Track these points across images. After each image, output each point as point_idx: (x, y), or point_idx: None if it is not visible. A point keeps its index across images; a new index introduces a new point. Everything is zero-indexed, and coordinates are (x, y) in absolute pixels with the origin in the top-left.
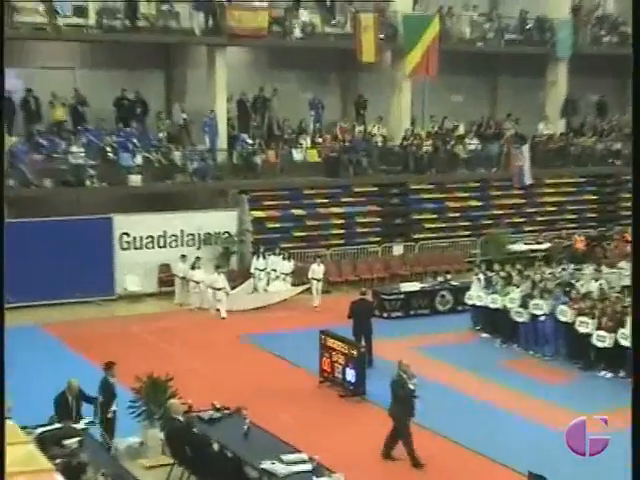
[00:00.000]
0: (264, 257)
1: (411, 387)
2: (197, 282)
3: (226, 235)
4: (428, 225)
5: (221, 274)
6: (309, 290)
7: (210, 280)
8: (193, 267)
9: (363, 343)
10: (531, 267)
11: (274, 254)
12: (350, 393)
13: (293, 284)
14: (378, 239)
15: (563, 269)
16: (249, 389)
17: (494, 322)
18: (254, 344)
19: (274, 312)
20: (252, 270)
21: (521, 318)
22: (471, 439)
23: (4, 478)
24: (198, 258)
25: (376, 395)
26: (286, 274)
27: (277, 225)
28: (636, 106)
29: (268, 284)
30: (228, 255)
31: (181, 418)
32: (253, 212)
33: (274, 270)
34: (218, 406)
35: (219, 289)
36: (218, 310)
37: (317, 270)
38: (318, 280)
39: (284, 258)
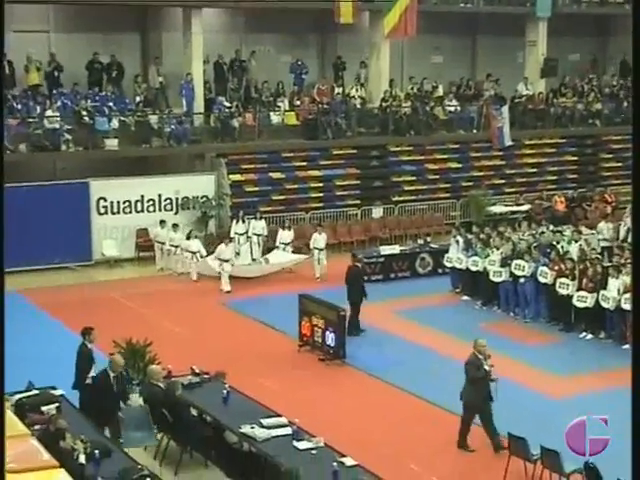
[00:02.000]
0: (243, 221)
1: (487, 369)
2: (193, 252)
3: (204, 199)
4: (407, 187)
5: (195, 239)
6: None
7: (185, 244)
8: (188, 237)
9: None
10: (511, 229)
11: (255, 218)
12: (330, 357)
13: (271, 249)
14: (357, 202)
15: (542, 231)
16: (229, 354)
17: (474, 284)
18: (237, 310)
19: (263, 279)
20: (232, 234)
21: (500, 278)
22: (452, 402)
23: (4, 475)
24: (192, 231)
25: (356, 358)
26: (286, 244)
27: (255, 189)
28: (636, 106)
29: (264, 253)
30: (206, 219)
31: (160, 383)
32: (231, 176)
33: (256, 235)
34: (197, 371)
35: (193, 252)
36: (187, 273)
37: (318, 239)
38: (320, 249)
39: (284, 227)
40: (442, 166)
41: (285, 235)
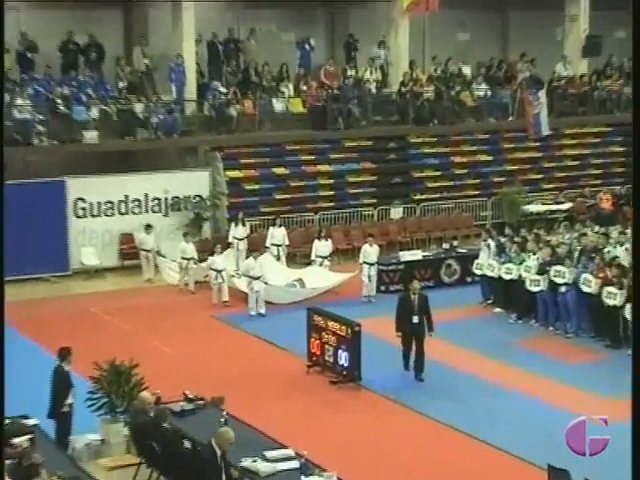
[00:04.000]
0: (243, 224)
1: None
2: (188, 259)
3: (197, 199)
4: (431, 184)
5: (190, 243)
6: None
7: (180, 249)
8: (212, 253)
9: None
10: (550, 231)
11: (274, 225)
12: (343, 379)
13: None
14: (373, 201)
15: (586, 233)
16: (227, 376)
17: (508, 295)
18: (235, 325)
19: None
20: (230, 239)
21: (538, 288)
22: (486, 432)
23: (4, 475)
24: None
25: (373, 381)
26: (323, 257)
27: (256, 187)
28: (636, 106)
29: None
30: (200, 222)
31: (148, 411)
32: (228, 172)
33: (276, 245)
34: (191, 396)
35: (188, 259)
36: (187, 284)
37: (369, 252)
38: (371, 264)
39: (320, 238)
40: (470, 159)
41: (321, 246)
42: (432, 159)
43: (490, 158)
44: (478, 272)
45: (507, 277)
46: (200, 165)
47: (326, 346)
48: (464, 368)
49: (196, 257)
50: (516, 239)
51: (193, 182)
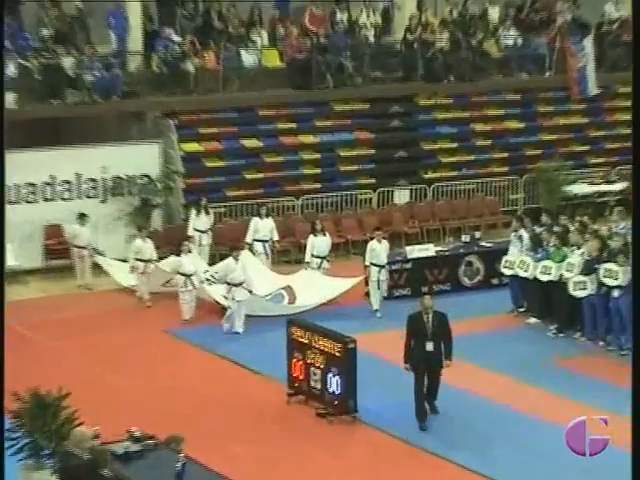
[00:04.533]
0: (207, 212)
1: None
2: (188, 275)
3: (145, 180)
4: (446, 159)
5: (147, 240)
6: None
7: (134, 247)
8: (178, 253)
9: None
10: (599, 218)
11: (260, 216)
12: (334, 410)
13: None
14: (372, 182)
15: None
16: (185, 409)
17: (546, 301)
18: (194, 343)
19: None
20: (190, 232)
21: (585, 292)
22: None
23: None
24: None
25: (373, 413)
26: (322, 258)
27: (221, 164)
28: (636, 106)
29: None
30: (148, 210)
31: (83, 453)
32: (184, 145)
33: (261, 241)
34: (138, 434)
35: (145, 261)
36: (141, 298)
37: (378, 250)
38: (380, 267)
39: (317, 232)
40: (496, 127)
41: (318, 243)
42: (447, 127)
43: (522, 125)
44: (507, 272)
45: (544, 278)
46: (148, 136)
47: (312, 369)
48: (491, 396)
49: (156, 258)
50: (555, 229)
51: (139, 158)
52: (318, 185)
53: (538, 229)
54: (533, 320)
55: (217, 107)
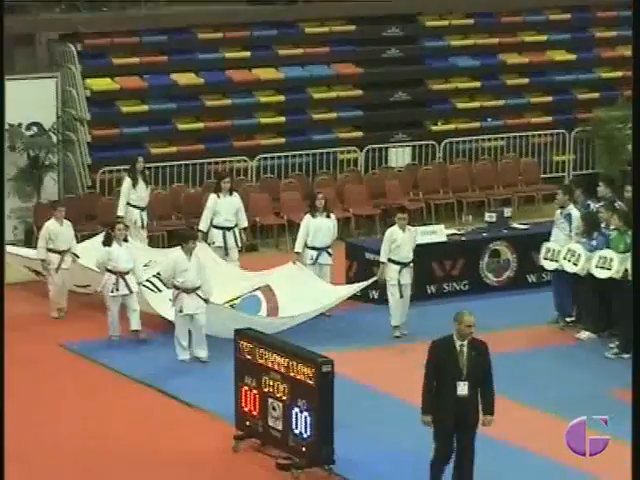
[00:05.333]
0: (145, 179)
1: None
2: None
3: (34, 131)
4: (463, 104)
5: (64, 222)
6: None
7: (45, 232)
8: (107, 240)
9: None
10: None
11: (221, 192)
12: (301, 461)
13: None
14: (358, 135)
15: None
16: (88, 459)
17: (604, 307)
18: (92, 359)
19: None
20: (121, 209)
21: None
22: None
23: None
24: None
25: (355, 465)
26: (322, 249)
27: (143, 107)
28: (636, 106)
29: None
30: (39, 172)
31: None
32: (91, 81)
33: (226, 229)
34: None
35: (60, 252)
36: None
37: (403, 239)
38: (406, 265)
39: (316, 210)
40: (535, 58)
41: (318, 227)
42: (465, 57)
43: (572, 57)
44: (550, 266)
45: (602, 275)
46: (39, 68)
47: (270, 401)
48: (529, 441)
49: (75, 249)
50: (619, 205)
51: (26, 99)
52: (281, 140)
53: (594, 205)
54: (586, 335)
55: (138, 27)
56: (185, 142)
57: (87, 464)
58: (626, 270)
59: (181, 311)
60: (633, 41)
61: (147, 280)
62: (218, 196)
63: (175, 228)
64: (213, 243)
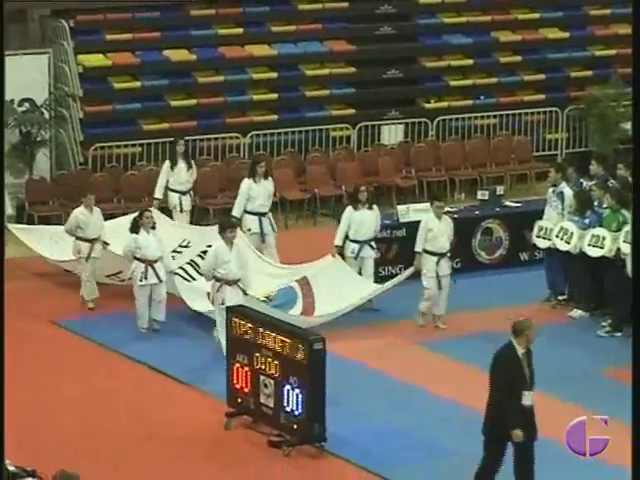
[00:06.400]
0: (188, 163)
1: None
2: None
3: (26, 107)
4: (456, 82)
5: (93, 209)
6: None
7: (74, 220)
8: (135, 227)
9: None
10: None
11: (254, 175)
12: (292, 438)
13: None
14: (350, 112)
15: None
16: (85, 435)
17: (596, 285)
18: (94, 340)
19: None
20: (158, 192)
21: None
22: None
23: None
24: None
25: (348, 443)
26: (363, 243)
27: (135, 84)
28: (636, 105)
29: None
30: (31, 148)
31: None
32: (83, 57)
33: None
34: (13, 469)
35: (90, 240)
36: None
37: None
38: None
39: (359, 202)
40: (529, 36)
41: (362, 219)
42: (458, 35)
43: (565, 35)
44: (542, 244)
45: (595, 253)
46: (31, 44)
47: (262, 378)
48: None
49: (105, 236)
50: (611, 183)
51: (18, 75)
52: (274, 117)
53: (587, 183)
54: (578, 313)
55: (130, 2)
56: (177, 118)
57: (77, 441)
58: (618, 249)
59: (223, 304)
60: (633, 40)
61: (180, 267)
62: (254, 181)
63: (167, 205)
64: (249, 230)
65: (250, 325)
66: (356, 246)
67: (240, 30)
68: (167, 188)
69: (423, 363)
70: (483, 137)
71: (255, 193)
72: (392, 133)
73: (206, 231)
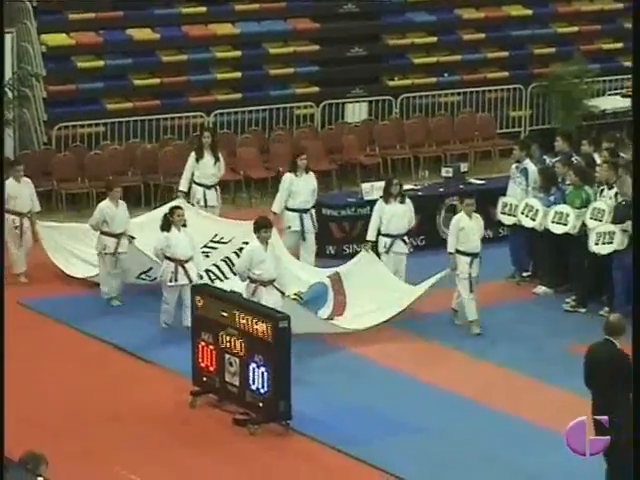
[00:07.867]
0: (215, 155)
1: None
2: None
3: None
4: (420, 59)
5: (120, 202)
6: None
7: (99, 214)
8: (167, 225)
9: None
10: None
11: (295, 170)
12: (258, 416)
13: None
14: (314, 90)
15: None
16: (43, 414)
17: (560, 262)
18: (49, 315)
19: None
20: (183, 185)
21: (611, 247)
22: None
23: (3, 475)
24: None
25: (313, 422)
26: (396, 237)
27: (99, 63)
28: (636, 104)
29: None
30: None
31: None
32: (47, 36)
33: (297, 211)
34: None
35: (116, 235)
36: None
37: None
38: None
39: (392, 190)
40: (492, 14)
41: (393, 214)
42: (421, 12)
43: (528, 12)
44: (506, 220)
45: (558, 230)
46: None
47: (227, 357)
48: (487, 398)
49: (130, 230)
50: (575, 160)
51: None
52: (237, 95)
53: (550, 160)
54: (542, 289)
55: None
56: (141, 98)
57: (42, 423)
58: (583, 225)
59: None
60: (633, 40)
61: (213, 264)
62: (296, 175)
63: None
64: (289, 228)
65: (215, 304)
66: (388, 240)
67: (203, 9)
68: (192, 181)
69: (401, 345)
70: (447, 114)
71: (297, 188)
72: (356, 111)
73: (238, 225)
